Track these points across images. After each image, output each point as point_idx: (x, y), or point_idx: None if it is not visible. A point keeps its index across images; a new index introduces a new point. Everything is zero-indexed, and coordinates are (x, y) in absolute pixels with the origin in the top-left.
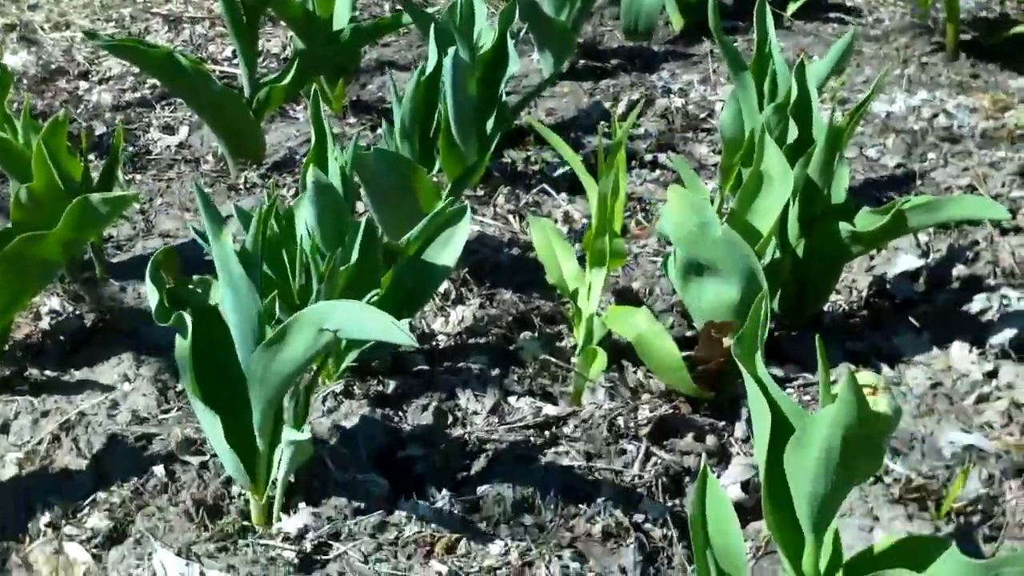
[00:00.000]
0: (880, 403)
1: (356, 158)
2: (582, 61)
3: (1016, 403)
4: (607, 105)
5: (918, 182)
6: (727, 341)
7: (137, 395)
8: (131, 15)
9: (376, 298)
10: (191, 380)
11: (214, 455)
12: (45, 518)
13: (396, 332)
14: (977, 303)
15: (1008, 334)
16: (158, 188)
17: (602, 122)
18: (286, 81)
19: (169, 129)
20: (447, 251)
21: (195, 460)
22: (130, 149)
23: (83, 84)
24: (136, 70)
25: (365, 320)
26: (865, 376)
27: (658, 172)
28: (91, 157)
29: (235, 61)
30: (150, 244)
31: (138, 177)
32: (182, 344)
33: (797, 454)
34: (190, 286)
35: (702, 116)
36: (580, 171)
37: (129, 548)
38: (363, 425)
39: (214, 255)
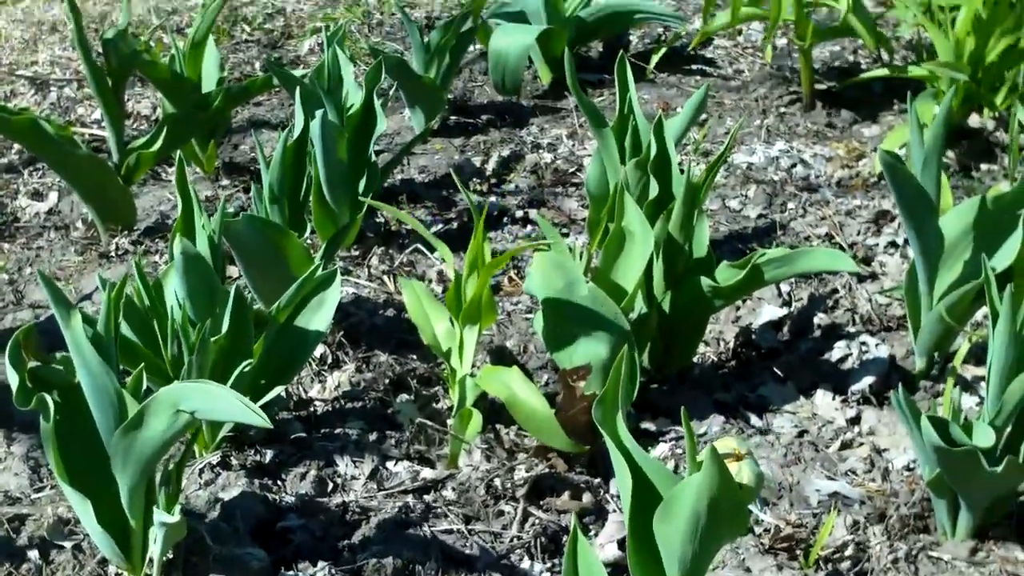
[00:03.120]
0: (743, 472)
1: (225, 225)
2: (453, 117)
3: (877, 448)
4: (478, 161)
5: (779, 232)
6: (584, 387)
7: (8, 474)
8: None
9: (249, 368)
10: (57, 462)
11: (88, 535)
12: None
13: (251, 415)
14: (838, 351)
15: (868, 380)
16: (27, 257)
17: (474, 179)
18: (156, 147)
19: (38, 195)
20: (318, 316)
21: (70, 542)
22: None
23: None
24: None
25: (221, 402)
26: (727, 444)
27: (529, 228)
28: None
29: (104, 123)
30: (20, 316)
31: (6, 246)
32: (45, 427)
33: (665, 520)
34: (53, 364)
35: (571, 171)
36: (433, 241)
37: None
38: (241, 497)
39: (67, 340)
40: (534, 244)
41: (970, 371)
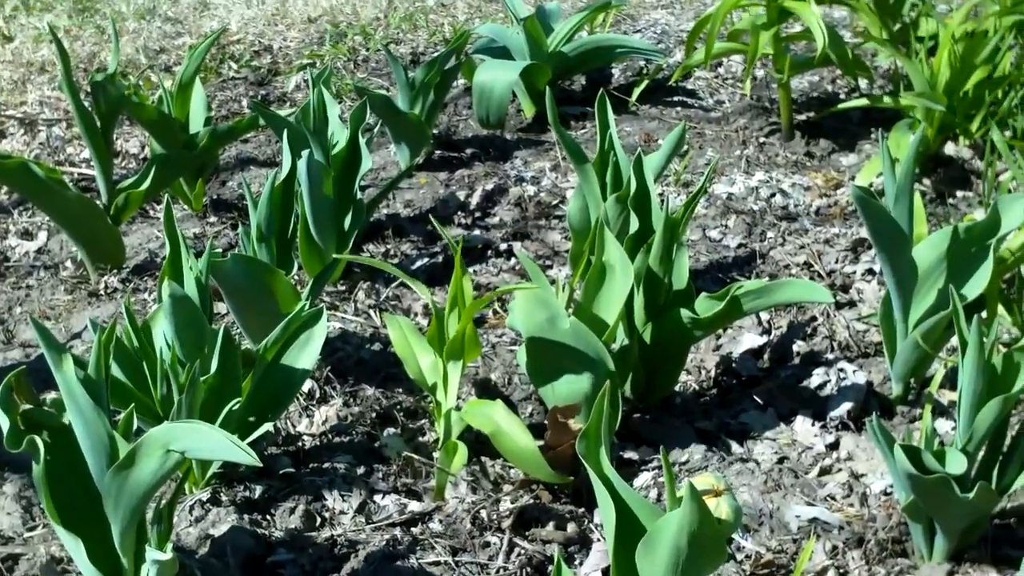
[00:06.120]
0: (722, 507)
1: (212, 265)
2: (438, 152)
3: (855, 473)
4: (462, 195)
5: (759, 261)
6: (574, 425)
7: (1, 514)
8: None
9: (238, 406)
10: (48, 504)
11: (81, 573)
12: None
13: (240, 453)
14: (816, 377)
15: (846, 406)
16: (17, 296)
17: (458, 212)
18: (144, 186)
19: (27, 235)
20: (305, 354)
21: None
22: None
23: None
24: None
25: (211, 441)
26: (706, 480)
27: (513, 261)
28: None
29: (93, 163)
30: (11, 355)
31: None
32: (37, 469)
33: (647, 554)
34: (45, 407)
35: (554, 203)
36: (411, 281)
37: None
38: (231, 532)
39: (59, 384)
40: (516, 287)
41: (946, 396)
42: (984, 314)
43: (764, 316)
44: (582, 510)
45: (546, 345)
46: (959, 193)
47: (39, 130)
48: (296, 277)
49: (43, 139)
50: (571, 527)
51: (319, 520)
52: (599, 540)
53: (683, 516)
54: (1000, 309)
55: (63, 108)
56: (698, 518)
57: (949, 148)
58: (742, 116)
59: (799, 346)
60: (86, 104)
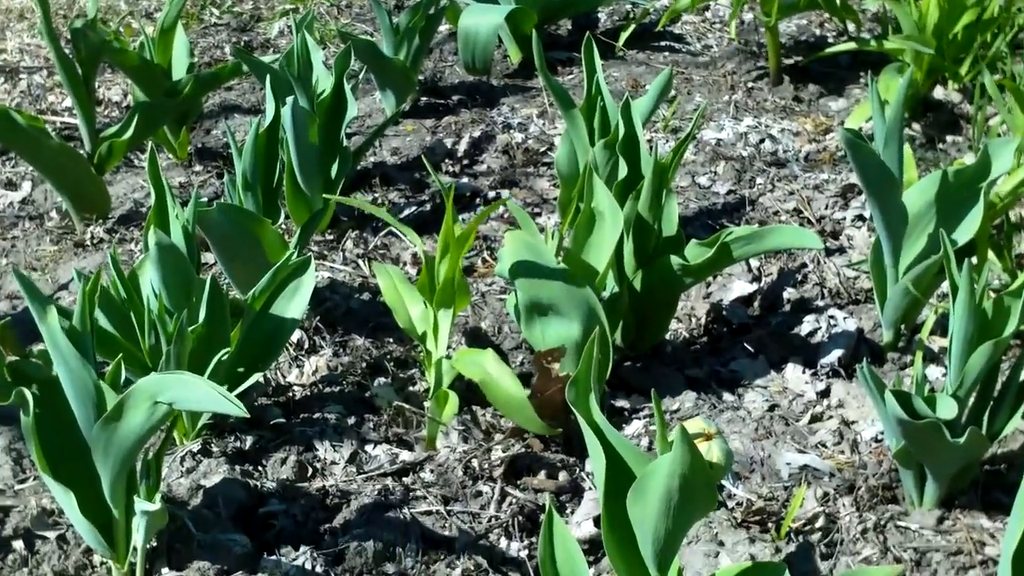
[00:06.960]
0: (713, 450)
1: (199, 214)
2: (424, 98)
3: (846, 421)
4: (450, 142)
5: (748, 208)
6: (557, 368)
7: None
8: None
9: (227, 356)
10: (39, 455)
11: (72, 525)
12: None
13: (228, 404)
14: (807, 325)
15: (837, 353)
16: (2, 248)
17: (445, 160)
18: (127, 135)
19: (11, 185)
20: (294, 303)
21: (54, 533)
22: None
23: None
24: None
25: (198, 392)
26: (697, 424)
27: (501, 209)
28: None
29: (75, 111)
30: None
31: None
32: (26, 420)
33: (638, 500)
34: (31, 358)
35: (542, 150)
36: (401, 228)
37: None
38: (222, 483)
39: (43, 335)
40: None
41: (937, 342)
42: (975, 259)
43: (754, 263)
44: (573, 459)
45: (535, 292)
46: (949, 138)
47: (20, 78)
48: (283, 226)
49: (24, 88)
50: (563, 476)
51: (310, 471)
52: (590, 489)
53: (674, 459)
54: (990, 255)
55: (43, 56)
56: (689, 461)
57: (938, 92)
58: (730, 61)
59: (789, 293)
60: (67, 51)
